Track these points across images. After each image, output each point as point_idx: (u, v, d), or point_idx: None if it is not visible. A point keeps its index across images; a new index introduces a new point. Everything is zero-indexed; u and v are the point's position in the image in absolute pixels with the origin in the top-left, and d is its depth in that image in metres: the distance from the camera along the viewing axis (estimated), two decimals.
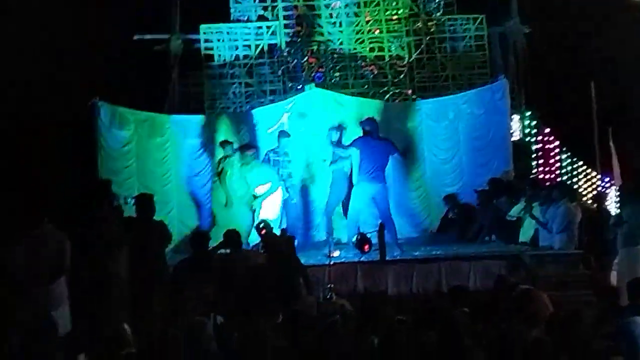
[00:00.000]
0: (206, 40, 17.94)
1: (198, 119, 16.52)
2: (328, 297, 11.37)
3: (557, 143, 18.21)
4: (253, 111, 16.64)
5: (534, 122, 18.21)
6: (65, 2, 15.88)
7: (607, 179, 17.48)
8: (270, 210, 13.97)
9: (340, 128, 14.88)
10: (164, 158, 16.06)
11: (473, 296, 9.86)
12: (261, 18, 18.11)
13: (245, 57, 17.91)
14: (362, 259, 12.96)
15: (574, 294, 11.68)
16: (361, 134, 14.29)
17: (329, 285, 11.57)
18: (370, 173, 13.81)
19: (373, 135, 14.09)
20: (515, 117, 17.63)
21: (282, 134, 15.23)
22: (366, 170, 13.83)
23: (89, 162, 14.65)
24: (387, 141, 14.31)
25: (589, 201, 17.29)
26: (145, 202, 10.88)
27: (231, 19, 18.10)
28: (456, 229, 15.53)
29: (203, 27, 17.88)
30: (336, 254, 12.65)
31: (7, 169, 14.47)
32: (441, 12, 18.31)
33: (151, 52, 17.49)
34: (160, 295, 10.10)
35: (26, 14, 15.55)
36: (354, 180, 14.08)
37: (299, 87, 17.40)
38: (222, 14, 18.04)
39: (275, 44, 17.94)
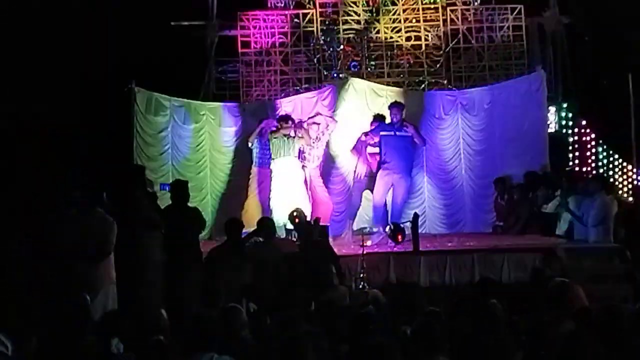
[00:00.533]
0: (242, 28, 17.96)
1: (233, 106, 16.53)
2: (360, 286, 11.37)
3: (593, 136, 18.02)
4: (289, 99, 16.60)
5: (571, 115, 18.05)
6: None
7: None
8: (304, 198, 13.89)
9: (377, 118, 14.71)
10: (199, 145, 16.10)
11: (505, 288, 9.81)
12: (298, 5, 18.10)
13: (281, 44, 17.92)
14: (395, 248, 12.94)
15: (610, 287, 11.61)
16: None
17: (361, 275, 11.56)
18: (391, 162, 13.78)
19: (398, 123, 13.93)
20: (552, 109, 17.48)
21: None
22: (390, 160, 13.79)
23: (124, 147, 14.75)
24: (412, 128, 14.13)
25: (625, 194, 17.13)
26: (180, 188, 10.91)
27: (268, 6, 18.11)
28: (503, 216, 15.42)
29: (240, 14, 17.90)
30: (368, 243, 12.60)
31: (43, 150, 14.58)
32: (479, 1, 18.21)
33: (188, 39, 17.55)
34: (194, 281, 10.13)
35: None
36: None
37: (334, 76, 17.39)
38: (259, 1, 18.05)
39: (312, 32, 17.93)
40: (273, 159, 14.13)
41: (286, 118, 14.45)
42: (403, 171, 13.80)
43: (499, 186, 15.58)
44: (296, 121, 14.54)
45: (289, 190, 13.81)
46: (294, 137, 14.11)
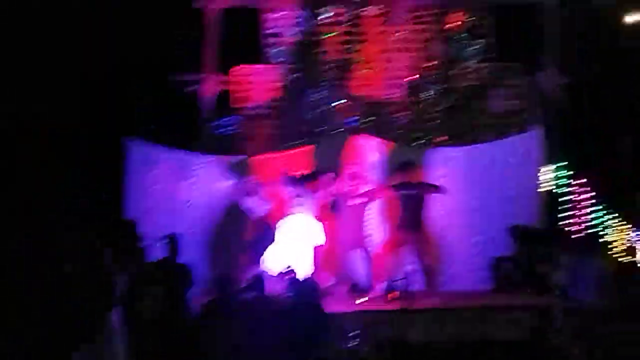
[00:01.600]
0: (237, 83, 17.98)
1: (230, 160, 16.49)
2: (354, 344, 11.25)
3: (590, 194, 17.96)
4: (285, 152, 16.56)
5: (568, 174, 18.01)
6: (98, 39, 16.01)
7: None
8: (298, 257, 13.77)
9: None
10: (194, 199, 16.00)
11: (502, 348, 9.73)
12: (294, 61, 18.13)
13: (278, 99, 17.91)
14: (388, 307, 12.85)
15: (605, 347, 11.50)
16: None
17: (355, 333, 11.45)
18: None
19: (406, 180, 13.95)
20: (549, 168, 17.43)
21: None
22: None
23: (117, 201, 14.70)
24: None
25: (620, 254, 17.06)
26: (172, 243, 10.92)
27: (264, 60, 18.15)
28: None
29: (235, 69, 17.95)
30: (362, 301, 12.50)
31: (32, 214, 14.51)
32: (478, 59, 18.25)
33: (184, 92, 17.57)
34: (183, 338, 10.03)
35: (59, 49, 15.69)
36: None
37: (332, 132, 17.38)
38: (255, 56, 18.10)
39: (308, 87, 17.93)
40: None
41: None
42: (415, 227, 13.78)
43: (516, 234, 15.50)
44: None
45: (289, 246, 13.72)
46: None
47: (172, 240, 11.00)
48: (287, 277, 11.55)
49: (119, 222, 12.66)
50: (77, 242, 10.30)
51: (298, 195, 14.00)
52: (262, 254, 13.82)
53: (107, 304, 8.91)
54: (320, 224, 14.15)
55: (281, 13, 18.24)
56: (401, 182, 14.10)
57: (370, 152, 16.03)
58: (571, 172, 17.96)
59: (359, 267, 14.57)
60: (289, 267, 11.75)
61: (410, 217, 13.81)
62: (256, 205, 14.42)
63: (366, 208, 14.49)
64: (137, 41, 16.35)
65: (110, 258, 9.28)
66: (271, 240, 13.87)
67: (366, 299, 13.40)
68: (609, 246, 15.81)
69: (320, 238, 13.95)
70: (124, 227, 10.18)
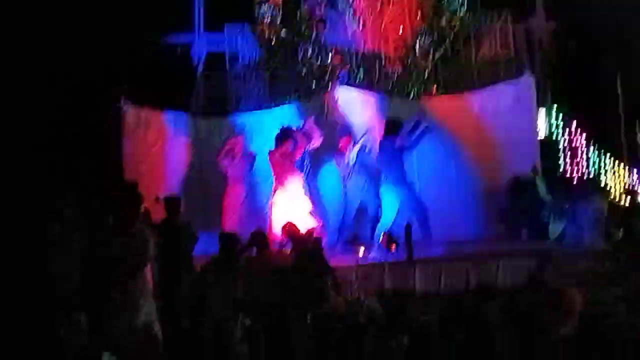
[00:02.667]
0: (230, 42, 17.92)
1: (223, 120, 16.50)
2: (356, 297, 11.34)
3: (584, 138, 18.03)
4: (276, 109, 16.57)
5: (561, 117, 18.06)
6: (89, 4, 15.95)
7: (636, 172, 17.39)
8: (300, 210, 13.81)
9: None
10: (189, 160, 16.06)
11: (501, 294, 9.79)
12: (285, 18, 18.07)
13: (270, 57, 17.87)
14: (389, 258, 12.92)
15: (604, 290, 11.60)
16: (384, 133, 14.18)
17: (356, 286, 11.53)
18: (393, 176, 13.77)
19: (394, 136, 13.93)
20: (542, 113, 17.47)
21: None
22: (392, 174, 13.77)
23: (115, 165, 14.73)
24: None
25: (618, 195, 17.17)
26: (172, 204, 10.97)
27: (256, 18, 18.08)
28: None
29: (227, 27, 17.88)
30: (362, 253, 12.57)
31: (31, 174, 14.52)
32: (465, 8, 18.20)
33: (176, 53, 17.54)
34: (186, 296, 10.12)
35: (51, 16, 15.62)
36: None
37: (323, 88, 17.39)
38: (246, 14, 18.02)
39: (299, 44, 17.88)
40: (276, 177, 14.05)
41: (286, 136, 14.36)
42: (401, 182, 13.80)
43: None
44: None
45: (291, 205, 13.72)
46: (293, 152, 14.07)
47: (173, 201, 11.04)
48: (288, 232, 11.60)
49: (119, 185, 12.67)
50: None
51: (293, 151, 13.98)
52: (264, 211, 13.87)
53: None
54: (313, 181, 14.20)
55: None
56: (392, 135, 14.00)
57: (362, 106, 16.01)
58: (564, 117, 18.01)
59: (360, 219, 14.63)
60: (289, 222, 11.79)
61: (402, 170, 13.79)
62: (247, 165, 14.45)
63: (364, 161, 14.45)
64: (128, 4, 16.29)
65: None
66: (270, 196, 13.91)
67: (366, 250, 13.43)
68: (608, 189, 15.88)
69: (315, 195, 14.01)
70: (123, 190, 10.16)
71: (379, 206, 14.03)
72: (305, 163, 14.66)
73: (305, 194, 14.12)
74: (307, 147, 14.61)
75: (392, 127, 13.99)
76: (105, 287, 8.87)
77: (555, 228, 14.18)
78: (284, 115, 16.09)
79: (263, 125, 15.99)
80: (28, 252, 10.71)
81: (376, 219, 14.05)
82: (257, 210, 14.55)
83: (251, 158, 14.90)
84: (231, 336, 6.95)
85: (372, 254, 13.31)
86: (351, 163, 14.23)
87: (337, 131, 15.39)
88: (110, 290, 8.85)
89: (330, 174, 15.49)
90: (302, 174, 14.42)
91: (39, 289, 10.07)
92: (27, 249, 10.76)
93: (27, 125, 14.84)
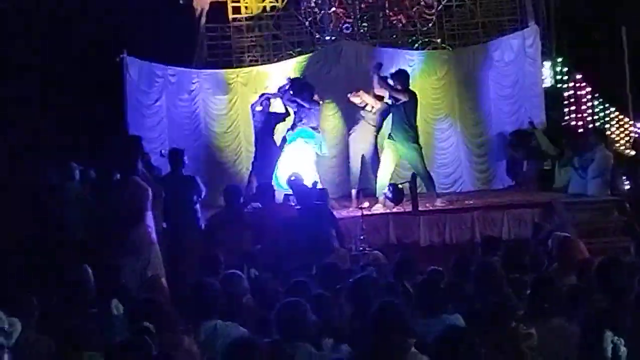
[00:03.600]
0: None
1: (226, 73, 16.44)
2: (361, 249, 11.37)
3: (588, 89, 17.93)
4: (281, 63, 16.49)
5: (565, 69, 17.96)
6: None
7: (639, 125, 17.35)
8: (303, 161, 13.70)
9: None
10: (193, 113, 16.05)
11: (506, 245, 9.82)
12: None
13: (272, 8, 17.76)
14: (394, 209, 12.94)
15: (609, 240, 11.64)
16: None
17: (361, 237, 11.56)
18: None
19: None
20: (546, 64, 17.38)
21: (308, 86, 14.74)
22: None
23: (119, 118, 14.71)
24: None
25: (622, 147, 17.12)
26: (177, 156, 10.99)
27: None
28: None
29: None
30: (366, 204, 12.56)
31: (35, 128, 14.52)
32: None
33: (177, 5, 17.39)
34: (193, 248, 10.17)
35: None
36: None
37: (327, 38, 17.30)
38: None
39: None
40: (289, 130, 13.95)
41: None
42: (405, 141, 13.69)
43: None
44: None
45: (297, 159, 13.62)
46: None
47: (177, 154, 11.05)
48: (293, 184, 11.60)
49: (124, 139, 12.68)
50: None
51: (298, 106, 13.85)
52: (268, 165, 13.78)
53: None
54: (321, 134, 14.06)
55: None
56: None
57: (366, 58, 15.92)
58: (569, 69, 17.90)
59: (365, 172, 14.60)
60: (294, 174, 11.79)
61: (397, 128, 13.60)
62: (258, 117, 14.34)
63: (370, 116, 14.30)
64: None
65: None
66: (276, 151, 13.83)
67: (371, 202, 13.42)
68: (611, 139, 15.84)
69: (322, 148, 13.91)
70: (129, 143, 10.19)
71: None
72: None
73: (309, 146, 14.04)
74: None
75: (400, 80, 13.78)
76: (108, 236, 8.94)
77: (561, 178, 14.18)
78: (288, 68, 16.03)
79: (265, 78, 15.94)
80: (39, 207, 10.83)
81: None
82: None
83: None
84: (238, 287, 6.95)
85: (377, 206, 13.28)
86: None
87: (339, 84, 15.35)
88: (113, 238, 8.92)
89: (332, 127, 15.50)
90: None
91: (49, 242, 10.19)
92: (40, 204, 10.88)
93: (31, 82, 14.82)
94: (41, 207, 11.26)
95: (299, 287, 6.77)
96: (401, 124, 13.33)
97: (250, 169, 14.31)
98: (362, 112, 13.96)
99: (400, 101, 13.30)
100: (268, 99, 14.33)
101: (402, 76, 13.54)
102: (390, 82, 13.37)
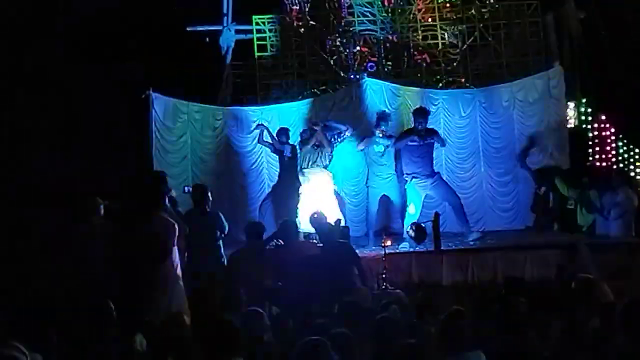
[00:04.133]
0: (258, 31, 17.94)
1: (252, 110, 16.51)
2: (383, 287, 11.34)
3: (613, 130, 17.91)
4: (306, 101, 16.56)
5: (590, 110, 17.95)
6: None
7: None
8: (327, 200, 13.72)
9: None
10: (217, 150, 16.12)
11: (529, 286, 9.77)
12: (313, 7, 18.03)
13: (298, 47, 17.87)
14: (417, 248, 12.91)
15: (634, 282, 11.54)
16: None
17: (383, 276, 11.53)
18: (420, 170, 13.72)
19: (423, 131, 13.81)
20: (571, 105, 17.39)
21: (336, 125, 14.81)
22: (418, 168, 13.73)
23: (144, 155, 14.79)
24: (437, 135, 14.08)
25: None
26: (201, 192, 11.04)
27: (283, 9, 18.04)
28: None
29: (255, 17, 17.89)
30: (388, 243, 12.52)
31: (61, 162, 14.64)
32: None
33: (204, 44, 17.56)
34: (215, 285, 10.17)
35: (80, 6, 15.72)
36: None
37: (351, 77, 17.37)
38: (274, 4, 18.01)
39: (328, 34, 17.86)
40: (304, 168, 14.00)
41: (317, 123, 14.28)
42: (433, 174, 13.75)
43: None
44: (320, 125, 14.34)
45: (318, 198, 13.63)
46: (322, 146, 13.95)
47: (201, 190, 11.10)
48: (316, 222, 11.57)
49: (149, 174, 12.76)
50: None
51: (318, 146, 13.90)
52: (290, 203, 13.81)
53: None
54: (330, 173, 14.11)
55: None
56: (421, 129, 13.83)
57: (390, 96, 15.99)
58: (593, 110, 17.90)
59: (388, 210, 14.61)
60: (317, 212, 11.78)
61: (424, 164, 13.71)
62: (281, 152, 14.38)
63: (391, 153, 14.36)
64: None
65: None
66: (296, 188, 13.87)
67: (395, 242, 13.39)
68: (635, 180, 15.76)
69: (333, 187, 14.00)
70: (155, 179, 10.24)
71: (405, 197, 13.95)
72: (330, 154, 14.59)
73: (332, 184, 14.09)
74: (335, 139, 14.48)
75: (419, 116, 13.86)
76: (134, 274, 8.96)
77: (584, 219, 14.12)
78: (311, 105, 16.12)
79: (289, 116, 15.99)
80: (64, 241, 10.88)
81: (403, 209, 14.00)
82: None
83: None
84: (259, 325, 6.94)
85: (402, 244, 13.28)
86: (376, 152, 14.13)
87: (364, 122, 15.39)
88: (139, 276, 8.94)
89: (356, 164, 15.49)
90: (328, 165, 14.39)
91: (74, 279, 10.22)
92: (62, 241, 10.94)
93: (57, 117, 14.97)
94: (65, 242, 11.30)
95: (321, 326, 6.76)
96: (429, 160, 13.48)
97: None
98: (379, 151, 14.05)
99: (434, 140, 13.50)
100: (287, 129, 14.48)
101: (425, 114, 13.73)
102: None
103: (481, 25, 17.81)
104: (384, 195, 14.08)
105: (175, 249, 9.33)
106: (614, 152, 17.87)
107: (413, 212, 13.70)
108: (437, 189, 13.88)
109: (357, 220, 15.19)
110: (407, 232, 13.24)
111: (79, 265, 10.72)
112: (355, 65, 17.71)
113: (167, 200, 9.96)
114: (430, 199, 14.34)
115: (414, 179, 13.70)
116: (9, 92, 14.84)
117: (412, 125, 14.06)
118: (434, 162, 14.15)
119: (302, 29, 17.90)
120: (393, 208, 14.51)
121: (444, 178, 14.75)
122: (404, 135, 13.96)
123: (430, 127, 14.05)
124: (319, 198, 13.55)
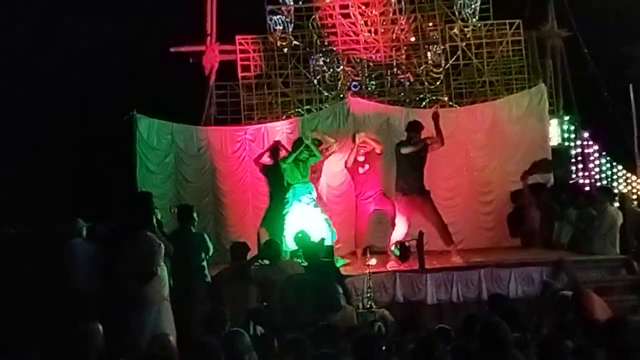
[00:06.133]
0: (242, 51, 17.98)
1: (236, 130, 16.51)
2: (368, 306, 11.35)
3: (596, 147, 18.00)
4: (290, 120, 16.57)
5: (573, 127, 18.04)
6: (101, 15, 16.07)
7: None
8: (310, 219, 13.70)
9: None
10: (202, 170, 16.11)
11: (513, 303, 9.80)
12: (297, 27, 18.10)
13: (281, 67, 17.92)
14: (401, 267, 12.92)
15: (618, 299, 11.58)
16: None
17: (368, 294, 11.54)
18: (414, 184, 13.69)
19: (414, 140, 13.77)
20: (554, 122, 17.45)
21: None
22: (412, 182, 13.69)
23: (128, 175, 14.77)
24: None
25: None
26: (186, 213, 11.03)
27: (267, 29, 18.10)
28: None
29: (239, 37, 17.94)
30: (373, 262, 12.52)
31: (49, 183, 14.63)
32: (477, 18, 18.19)
33: (187, 64, 17.59)
34: (200, 305, 10.16)
35: (65, 27, 15.76)
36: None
37: (335, 96, 17.42)
38: (257, 25, 18.06)
39: (311, 54, 17.93)
40: (290, 184, 13.97)
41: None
42: (422, 191, 13.73)
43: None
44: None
45: (305, 216, 13.60)
46: (306, 160, 13.94)
47: (187, 211, 11.10)
48: (300, 241, 11.58)
49: (136, 194, 12.78)
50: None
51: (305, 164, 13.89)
52: (274, 222, 13.80)
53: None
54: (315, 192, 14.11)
55: None
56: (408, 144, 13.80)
57: (373, 115, 16.01)
58: (576, 127, 17.99)
59: (372, 229, 14.59)
60: (301, 231, 11.79)
61: (417, 179, 13.67)
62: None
63: (376, 171, 14.36)
64: (140, 16, 16.40)
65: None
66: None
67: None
68: (620, 198, 15.79)
69: (322, 205, 13.98)
70: (142, 199, 10.27)
71: (393, 216, 13.94)
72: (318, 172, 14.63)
73: (318, 203, 14.08)
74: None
75: (412, 130, 13.83)
76: (119, 294, 8.97)
77: (563, 234, 14.16)
78: (295, 125, 16.13)
79: (273, 136, 15.99)
80: (48, 266, 10.89)
81: (389, 228, 14.00)
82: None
83: None
84: (240, 345, 6.93)
85: (389, 263, 13.29)
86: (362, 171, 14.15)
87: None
88: (123, 297, 8.94)
89: (339, 184, 15.50)
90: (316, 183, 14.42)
91: (58, 300, 10.22)
92: (47, 263, 10.94)
93: (40, 136, 14.98)
94: (48, 263, 11.29)
95: (303, 345, 6.76)
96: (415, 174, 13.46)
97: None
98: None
99: (414, 151, 13.44)
100: (277, 147, 14.45)
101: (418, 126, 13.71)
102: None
103: (464, 44, 17.91)
104: (375, 210, 14.11)
105: (163, 268, 9.34)
106: (597, 170, 17.94)
107: (402, 230, 13.66)
108: (424, 207, 13.82)
109: (342, 238, 15.16)
110: (392, 250, 13.25)
111: (62, 286, 10.72)
112: (339, 85, 17.77)
113: (154, 220, 10.00)
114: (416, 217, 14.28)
115: (404, 196, 13.66)
116: None
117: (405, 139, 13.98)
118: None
119: (286, 49, 17.96)
120: (378, 226, 14.51)
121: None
122: (399, 147, 13.88)
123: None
124: (305, 211, 13.54)
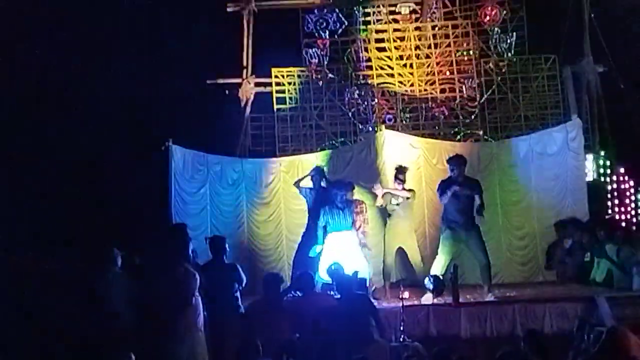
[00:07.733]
0: (277, 84, 18.11)
1: (270, 162, 16.58)
2: (401, 340, 11.29)
3: (632, 183, 17.87)
4: (325, 152, 16.62)
5: (609, 163, 17.94)
6: (138, 49, 16.26)
7: None
8: (345, 253, 13.60)
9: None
10: (236, 201, 16.17)
11: (548, 339, 9.70)
12: (332, 60, 18.21)
13: (316, 99, 18.01)
14: (435, 301, 12.85)
15: None
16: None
17: (401, 328, 11.48)
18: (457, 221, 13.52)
19: (460, 178, 13.60)
20: (589, 158, 17.38)
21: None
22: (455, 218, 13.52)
23: (163, 206, 14.86)
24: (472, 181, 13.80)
25: None
26: (219, 244, 11.04)
27: (302, 62, 18.23)
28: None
29: (274, 70, 18.07)
30: (406, 295, 12.42)
31: (83, 213, 14.73)
32: (512, 52, 18.23)
33: (224, 96, 17.74)
34: (232, 336, 10.15)
35: (102, 61, 15.95)
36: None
37: (369, 129, 17.45)
38: (293, 57, 18.20)
39: (346, 86, 18.02)
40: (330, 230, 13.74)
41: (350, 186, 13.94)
42: (470, 227, 13.49)
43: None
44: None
45: (341, 254, 13.45)
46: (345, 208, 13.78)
47: (219, 242, 11.12)
48: (334, 273, 11.57)
49: (172, 226, 12.82)
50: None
51: (340, 198, 13.76)
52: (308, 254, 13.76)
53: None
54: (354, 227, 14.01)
55: (317, 14, 18.42)
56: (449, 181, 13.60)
57: (409, 149, 16.01)
58: (612, 163, 17.89)
59: (406, 262, 14.52)
60: (335, 264, 11.77)
61: (460, 214, 13.46)
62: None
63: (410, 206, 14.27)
64: (177, 48, 16.57)
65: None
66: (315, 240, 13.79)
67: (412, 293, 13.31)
68: None
69: (359, 240, 13.86)
70: (178, 231, 10.30)
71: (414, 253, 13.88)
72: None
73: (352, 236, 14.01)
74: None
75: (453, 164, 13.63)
76: (153, 325, 8.99)
77: (599, 270, 14.04)
78: (329, 157, 16.16)
79: (308, 168, 15.99)
80: (84, 296, 10.95)
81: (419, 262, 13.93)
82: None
83: None
84: None
85: (423, 297, 13.20)
86: (393, 206, 14.06)
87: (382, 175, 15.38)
88: (157, 327, 8.96)
89: (372, 217, 15.44)
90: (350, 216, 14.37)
91: (94, 329, 10.27)
92: (83, 293, 11.00)
93: (79, 166, 15.11)
94: (83, 294, 11.34)
95: None
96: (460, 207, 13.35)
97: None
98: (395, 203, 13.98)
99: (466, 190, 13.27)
100: (319, 173, 14.38)
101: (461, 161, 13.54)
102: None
103: (499, 78, 17.92)
104: (400, 247, 14.02)
105: (198, 300, 9.37)
106: (633, 205, 17.81)
107: (442, 264, 13.51)
108: (468, 242, 13.60)
109: (374, 272, 15.08)
110: (426, 284, 13.16)
111: (98, 315, 10.75)
112: (374, 118, 17.82)
113: (189, 251, 10.03)
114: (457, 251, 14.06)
115: (448, 229, 13.51)
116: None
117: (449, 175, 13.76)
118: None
119: (321, 82, 18.06)
120: (409, 260, 14.42)
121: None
122: (444, 186, 13.59)
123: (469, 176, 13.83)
124: (339, 244, 13.44)
